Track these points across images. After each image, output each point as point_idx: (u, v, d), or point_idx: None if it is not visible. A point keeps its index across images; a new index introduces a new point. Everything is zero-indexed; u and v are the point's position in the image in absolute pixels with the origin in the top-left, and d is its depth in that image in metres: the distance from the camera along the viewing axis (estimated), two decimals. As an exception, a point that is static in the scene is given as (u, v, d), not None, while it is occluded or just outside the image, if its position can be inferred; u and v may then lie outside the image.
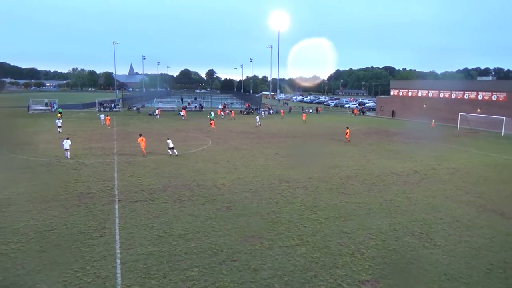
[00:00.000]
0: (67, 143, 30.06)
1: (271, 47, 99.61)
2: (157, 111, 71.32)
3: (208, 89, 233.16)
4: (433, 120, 60.78)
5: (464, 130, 58.07)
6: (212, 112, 64.82)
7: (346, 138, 42.44)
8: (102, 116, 57.21)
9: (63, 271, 12.25)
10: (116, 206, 18.73)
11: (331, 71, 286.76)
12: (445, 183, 25.01)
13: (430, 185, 24.38)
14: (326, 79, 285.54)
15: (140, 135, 32.59)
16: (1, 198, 19.80)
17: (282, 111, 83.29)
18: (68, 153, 29.99)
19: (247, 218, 17.48)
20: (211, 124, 51.43)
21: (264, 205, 19.47)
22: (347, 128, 43.53)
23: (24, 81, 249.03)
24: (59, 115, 62.19)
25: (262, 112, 75.07)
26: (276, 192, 21.80)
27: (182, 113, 68.94)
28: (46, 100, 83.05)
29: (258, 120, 58.75)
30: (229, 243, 14.72)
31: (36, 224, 16.24)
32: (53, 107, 76.92)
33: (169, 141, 32.13)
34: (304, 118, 67.82)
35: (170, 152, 31.75)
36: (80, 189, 21.46)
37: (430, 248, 14.85)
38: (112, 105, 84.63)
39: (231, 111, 76.89)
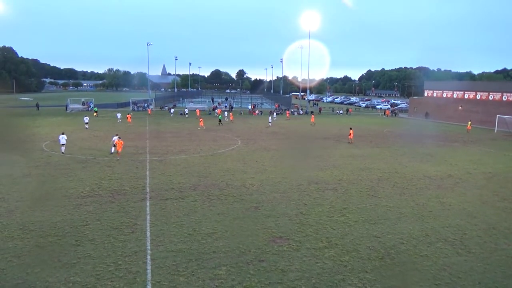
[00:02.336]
0: (63, 138, 31.25)
1: (302, 48, 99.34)
2: (171, 110, 74.55)
3: (238, 90, 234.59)
4: (469, 122, 58.08)
5: (502, 133, 55.68)
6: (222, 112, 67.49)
7: (350, 139, 41.76)
8: (119, 115, 58.56)
9: (97, 265, 12.69)
10: (148, 204, 19.19)
11: (362, 71, 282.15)
12: (481, 188, 24.10)
13: (465, 190, 23.56)
14: (357, 79, 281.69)
15: (119, 138, 31.58)
16: (40, 193, 20.73)
17: (288, 112, 78.44)
18: (64, 148, 31.12)
19: (275, 219, 17.49)
20: (200, 122, 52.90)
21: (293, 206, 19.41)
22: (350, 128, 42.83)
23: (63, 81, 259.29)
24: (95, 114, 64.68)
25: (275, 113, 73.42)
26: (305, 193, 21.69)
27: (171, 111, 73.90)
28: (83, 100, 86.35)
29: (270, 120, 58.30)
30: (257, 243, 14.77)
31: (72, 219, 16.88)
32: (90, 106, 79.69)
33: (115, 138, 31.72)
34: (312, 120, 63.34)
35: (113, 150, 31.31)
36: (113, 186, 22.13)
37: (464, 255, 14.37)
38: (145, 105, 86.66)
39: (229, 112, 69.52)
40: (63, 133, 32.22)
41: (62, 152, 30.92)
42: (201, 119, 54.51)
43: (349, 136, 41.99)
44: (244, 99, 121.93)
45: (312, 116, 67.99)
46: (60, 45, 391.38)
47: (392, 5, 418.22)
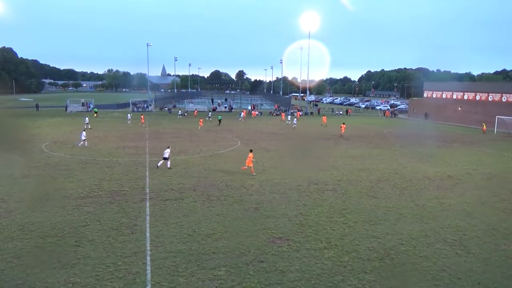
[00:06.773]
0: (83, 135, 35.66)
1: (301, 48, 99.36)
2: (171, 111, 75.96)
3: (238, 90, 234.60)
4: (484, 124, 57.06)
5: (502, 134, 55.72)
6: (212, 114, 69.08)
7: (341, 132, 45.39)
8: (129, 116, 58.89)
9: (96, 266, 12.69)
10: (147, 204, 19.19)
11: (362, 72, 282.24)
12: (481, 188, 24.12)
13: (465, 190, 23.57)
14: (357, 80, 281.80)
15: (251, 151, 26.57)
16: (39, 193, 20.72)
17: (282, 114, 76.18)
18: (86, 142, 35.17)
19: (275, 220, 17.50)
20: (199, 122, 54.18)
21: (292, 207, 19.42)
22: (343, 123, 47.11)
23: (62, 82, 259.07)
24: (95, 115, 64.76)
25: (290, 114, 71.32)
26: (304, 194, 21.70)
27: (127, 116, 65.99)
28: (82, 100, 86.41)
29: (295, 122, 57.85)
30: (257, 244, 14.78)
31: (72, 219, 16.89)
32: (89, 107, 79.68)
33: (167, 150, 27.45)
34: (324, 121, 61.60)
35: (160, 163, 27.08)
36: (113, 187, 22.13)
37: (463, 255, 14.38)
38: (145, 105, 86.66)
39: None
40: (84, 130, 37.39)
41: (86, 146, 34.82)
42: (200, 119, 55.70)
43: (341, 131, 45.93)
44: (243, 100, 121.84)
45: (324, 117, 65.82)
46: (60, 46, 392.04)
47: (391, 6, 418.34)
